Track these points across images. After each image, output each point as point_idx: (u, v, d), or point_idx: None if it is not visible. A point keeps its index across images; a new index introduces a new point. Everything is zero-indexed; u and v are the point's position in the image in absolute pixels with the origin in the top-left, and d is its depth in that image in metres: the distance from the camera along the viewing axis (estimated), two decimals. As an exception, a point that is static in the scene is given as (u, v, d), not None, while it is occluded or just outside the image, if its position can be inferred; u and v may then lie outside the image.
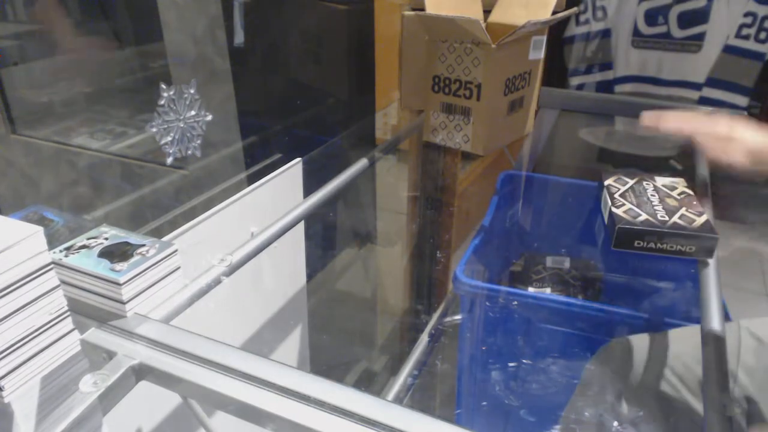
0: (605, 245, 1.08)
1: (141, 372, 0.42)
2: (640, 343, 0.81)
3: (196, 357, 0.42)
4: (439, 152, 1.20)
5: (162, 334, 0.44)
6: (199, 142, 0.69)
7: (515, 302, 0.97)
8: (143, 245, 0.48)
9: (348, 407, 0.37)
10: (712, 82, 1.91)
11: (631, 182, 0.81)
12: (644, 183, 0.82)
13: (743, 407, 0.69)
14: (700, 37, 1.88)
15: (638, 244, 0.71)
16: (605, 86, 2.05)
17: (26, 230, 0.37)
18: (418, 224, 1.30)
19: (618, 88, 2.04)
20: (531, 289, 1.20)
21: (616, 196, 0.77)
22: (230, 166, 0.99)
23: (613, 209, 0.74)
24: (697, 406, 0.72)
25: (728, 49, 1.86)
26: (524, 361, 1.05)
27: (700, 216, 0.71)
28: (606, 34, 2.00)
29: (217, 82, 0.98)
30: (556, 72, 2.07)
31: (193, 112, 0.67)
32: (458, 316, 1.07)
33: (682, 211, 0.73)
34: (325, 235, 1.34)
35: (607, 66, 2.04)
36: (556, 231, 1.29)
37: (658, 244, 0.70)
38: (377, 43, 1.33)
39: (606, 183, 0.81)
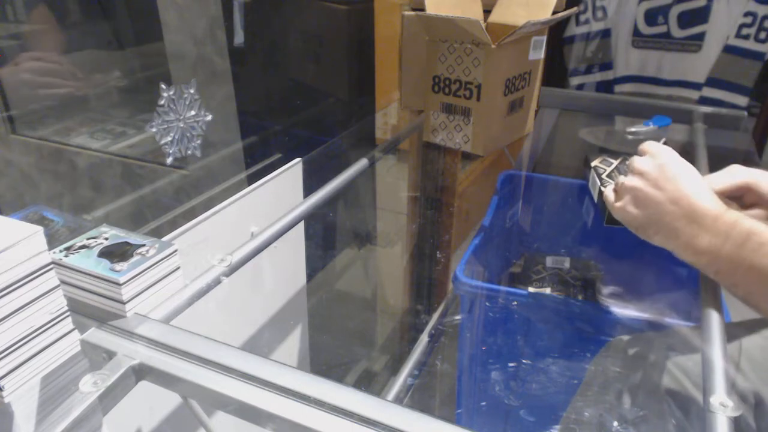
0: (595, 225, 1.09)
1: (141, 372, 0.42)
2: (641, 342, 0.82)
3: (196, 357, 0.42)
4: (439, 152, 1.20)
5: (162, 334, 0.44)
6: (199, 142, 0.69)
7: (515, 302, 0.97)
8: (143, 245, 0.48)
9: (348, 407, 0.37)
10: (712, 82, 1.91)
11: (615, 162, 0.83)
12: (627, 163, 0.83)
13: (750, 402, 0.69)
14: (700, 37, 1.88)
15: None
16: (605, 86, 2.05)
17: (26, 230, 0.37)
18: (418, 224, 1.29)
19: (618, 88, 2.04)
20: (531, 289, 1.20)
21: (604, 176, 0.79)
22: (230, 166, 0.99)
23: (602, 188, 0.75)
24: (698, 405, 0.72)
25: (728, 49, 1.86)
26: (524, 361, 1.05)
27: None
28: (606, 34, 2.00)
29: (217, 82, 0.98)
30: (556, 72, 2.07)
31: (193, 112, 0.67)
32: (458, 316, 1.07)
33: None
34: (325, 235, 1.34)
35: (607, 66, 2.04)
36: (556, 231, 1.29)
37: None
38: (377, 43, 1.33)
39: (593, 164, 0.82)
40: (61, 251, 0.47)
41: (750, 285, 0.55)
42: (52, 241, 0.41)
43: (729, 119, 1.08)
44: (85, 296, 0.46)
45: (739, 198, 0.68)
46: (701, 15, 1.85)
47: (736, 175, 0.67)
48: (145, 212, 0.87)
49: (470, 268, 0.99)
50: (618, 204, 0.67)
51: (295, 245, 0.94)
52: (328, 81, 1.31)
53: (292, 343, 1.00)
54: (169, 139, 0.66)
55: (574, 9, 0.88)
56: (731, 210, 0.57)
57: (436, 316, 1.17)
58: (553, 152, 1.52)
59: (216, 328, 0.75)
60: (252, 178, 0.86)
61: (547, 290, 1.20)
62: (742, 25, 1.82)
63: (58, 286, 0.40)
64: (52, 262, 0.39)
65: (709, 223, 0.56)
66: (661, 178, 0.60)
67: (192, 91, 0.66)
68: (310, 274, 1.01)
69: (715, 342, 0.52)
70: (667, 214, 0.59)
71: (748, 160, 0.70)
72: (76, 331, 0.42)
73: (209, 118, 0.70)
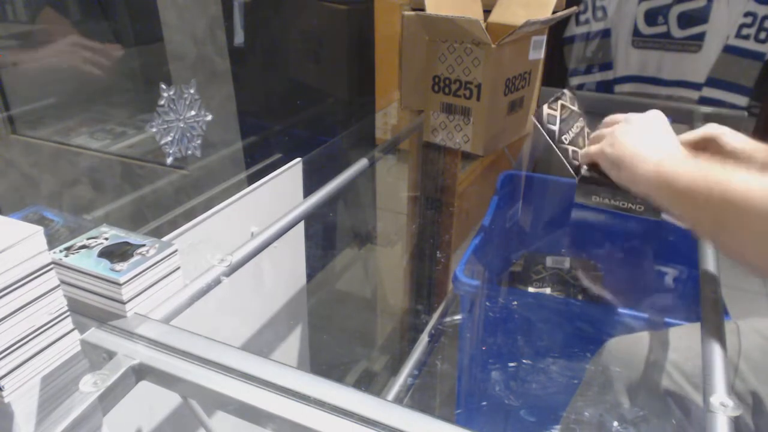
0: (595, 225, 1.16)
1: (141, 372, 0.42)
2: (641, 341, 0.81)
3: (196, 357, 0.42)
4: (439, 152, 1.20)
5: (162, 334, 0.44)
6: (199, 142, 0.69)
7: (515, 302, 0.97)
8: (143, 245, 0.48)
9: (348, 407, 0.37)
10: (712, 82, 1.91)
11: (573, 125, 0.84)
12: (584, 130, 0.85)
13: (748, 402, 0.69)
14: (700, 37, 1.88)
15: (595, 199, 0.75)
16: (605, 86, 2.05)
17: (26, 230, 0.37)
18: (418, 224, 1.29)
19: (618, 88, 2.04)
20: (531, 289, 1.20)
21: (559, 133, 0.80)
22: (230, 166, 0.99)
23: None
24: (699, 404, 0.72)
25: (728, 49, 1.86)
26: (524, 361, 1.05)
27: None
28: (606, 34, 2.00)
29: (217, 82, 0.98)
30: (556, 72, 2.07)
31: (193, 112, 0.67)
32: (458, 316, 1.08)
33: None
34: (325, 235, 1.34)
35: (607, 66, 2.04)
36: (556, 231, 1.29)
37: (612, 201, 0.74)
38: (377, 43, 1.33)
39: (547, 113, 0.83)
40: (61, 251, 0.47)
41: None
42: (52, 241, 0.41)
43: (729, 119, 1.08)
44: (85, 296, 0.46)
45: (704, 150, 0.72)
46: (701, 15, 1.85)
47: (701, 129, 0.72)
48: (145, 212, 0.87)
49: (470, 268, 0.99)
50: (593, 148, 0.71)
51: (295, 245, 0.94)
52: (328, 81, 1.31)
53: (292, 343, 1.00)
54: (169, 139, 0.66)
55: (574, 8, 0.88)
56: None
57: (436, 316, 1.17)
58: (553, 152, 1.52)
59: (216, 328, 0.75)
60: (252, 178, 0.86)
61: (547, 290, 1.20)
62: (742, 25, 1.82)
63: (58, 286, 0.40)
64: (52, 262, 0.39)
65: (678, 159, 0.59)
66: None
67: (192, 91, 0.66)
68: (310, 274, 1.01)
69: (715, 342, 0.52)
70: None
71: (747, 160, 0.72)
72: (76, 331, 0.42)
73: (209, 118, 0.70)
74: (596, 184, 0.74)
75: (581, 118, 0.83)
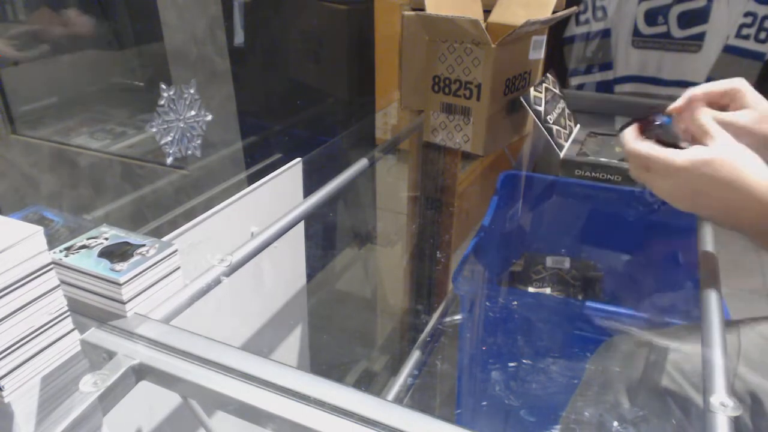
0: (595, 225, 1.20)
1: (141, 372, 0.42)
2: (640, 341, 0.82)
3: (196, 357, 0.42)
4: (439, 152, 1.20)
5: (162, 334, 0.44)
6: (199, 142, 0.69)
7: (515, 302, 0.97)
8: (143, 245, 0.48)
9: (348, 407, 0.37)
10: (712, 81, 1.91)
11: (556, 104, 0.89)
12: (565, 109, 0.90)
13: (747, 403, 0.69)
14: (700, 37, 1.88)
15: (578, 173, 0.83)
16: (605, 86, 2.05)
17: (26, 230, 0.37)
18: (418, 224, 1.29)
19: (618, 88, 2.04)
20: (531, 289, 1.20)
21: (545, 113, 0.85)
22: (230, 166, 0.99)
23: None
24: (699, 404, 0.72)
25: (728, 49, 1.86)
26: (524, 361, 1.05)
27: None
28: (606, 34, 2.00)
29: (217, 82, 0.98)
30: (556, 72, 2.07)
31: (193, 112, 0.67)
32: (458, 316, 1.07)
33: None
34: (325, 235, 1.34)
35: (607, 66, 2.04)
36: (556, 231, 1.29)
37: (592, 174, 0.82)
38: (377, 43, 1.33)
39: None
40: (61, 251, 0.47)
41: None
42: (52, 241, 0.41)
43: (729, 119, 1.08)
44: (85, 296, 0.46)
45: (724, 108, 0.68)
46: (701, 15, 1.85)
47: (726, 82, 0.68)
48: (145, 212, 0.87)
49: (470, 268, 0.99)
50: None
51: (295, 245, 0.94)
52: (328, 81, 1.31)
53: (292, 343, 1.00)
54: (169, 139, 0.66)
55: (574, 8, 0.88)
56: None
57: (436, 316, 1.17)
58: (552, 152, 1.52)
59: (216, 328, 0.75)
60: (252, 178, 0.86)
61: (547, 290, 1.20)
62: (742, 25, 1.82)
63: (58, 286, 0.40)
64: (52, 262, 0.39)
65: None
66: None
67: (192, 91, 0.66)
68: (310, 274, 1.01)
69: (715, 342, 0.52)
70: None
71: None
72: (76, 331, 0.42)
73: (209, 118, 0.69)
74: (577, 160, 0.78)
75: (562, 100, 0.87)
